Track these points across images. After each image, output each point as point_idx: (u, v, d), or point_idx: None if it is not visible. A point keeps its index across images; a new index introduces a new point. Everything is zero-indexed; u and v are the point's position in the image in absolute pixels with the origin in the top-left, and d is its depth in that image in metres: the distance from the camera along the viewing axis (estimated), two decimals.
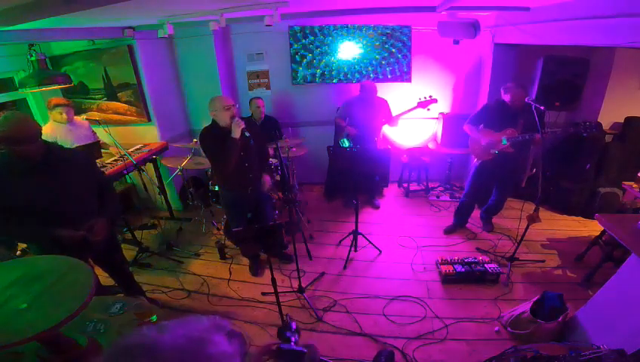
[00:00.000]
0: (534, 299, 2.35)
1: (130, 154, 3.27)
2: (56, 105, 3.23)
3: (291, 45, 4.27)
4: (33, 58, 2.86)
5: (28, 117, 1.88)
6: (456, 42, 3.94)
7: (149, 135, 4.07)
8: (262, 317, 2.67)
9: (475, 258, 3.02)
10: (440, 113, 4.42)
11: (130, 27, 3.47)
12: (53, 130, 3.24)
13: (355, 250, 3.41)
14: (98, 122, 3.26)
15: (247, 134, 2.51)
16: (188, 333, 0.61)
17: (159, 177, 4.01)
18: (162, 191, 3.99)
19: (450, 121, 4.30)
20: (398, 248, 3.49)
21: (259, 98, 3.96)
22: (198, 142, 2.76)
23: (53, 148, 1.93)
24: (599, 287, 2.20)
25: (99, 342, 1.48)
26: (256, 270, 3.20)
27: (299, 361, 1.05)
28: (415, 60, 4.34)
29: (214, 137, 2.54)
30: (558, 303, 2.30)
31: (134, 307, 1.66)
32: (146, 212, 4.29)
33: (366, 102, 3.79)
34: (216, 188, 3.40)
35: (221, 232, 3.77)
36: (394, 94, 4.30)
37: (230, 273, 3.20)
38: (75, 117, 3.44)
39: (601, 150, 3.86)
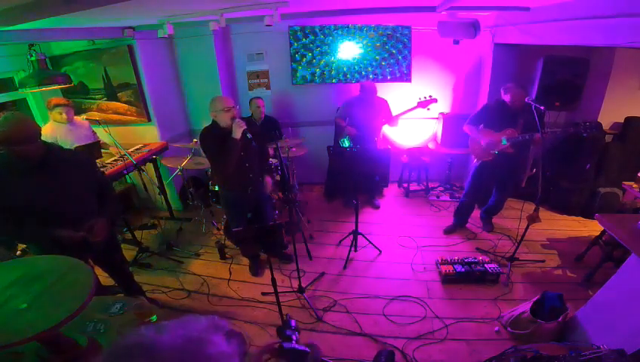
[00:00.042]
0: (534, 299, 2.35)
1: (130, 154, 3.27)
2: (56, 105, 3.23)
3: (291, 45, 4.27)
4: (33, 58, 2.86)
5: (27, 117, 1.88)
6: (456, 42, 3.93)
7: (149, 135, 4.07)
8: (262, 317, 2.67)
9: (475, 258, 3.02)
10: (440, 113, 4.42)
11: (130, 27, 3.47)
12: (53, 130, 3.24)
13: (355, 250, 3.41)
14: (98, 122, 3.26)
15: (248, 135, 2.51)
16: (186, 333, 0.61)
17: (159, 177, 4.01)
18: (162, 191, 3.99)
19: (450, 121, 4.30)
20: (398, 248, 3.49)
21: (259, 98, 3.96)
22: (199, 142, 2.76)
23: (52, 148, 1.93)
24: (599, 287, 2.20)
25: (99, 342, 1.48)
26: (256, 270, 3.20)
27: (302, 361, 1.04)
28: (415, 60, 4.34)
29: (215, 137, 2.53)
30: (558, 303, 2.30)
31: (134, 307, 1.65)
32: (146, 212, 4.29)
33: (366, 102, 3.79)
34: (216, 188, 3.40)
35: (221, 232, 3.77)
36: (394, 94, 4.30)
37: (230, 273, 3.20)
38: (75, 117, 3.44)
39: (601, 150, 3.86)
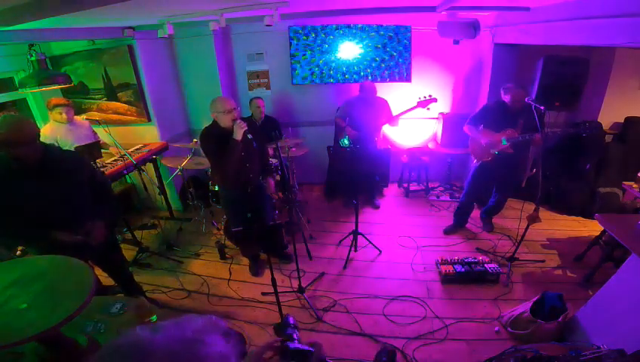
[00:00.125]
0: (534, 299, 2.35)
1: (130, 154, 3.27)
2: (56, 105, 3.23)
3: (291, 45, 4.27)
4: (33, 58, 2.85)
5: (25, 119, 1.87)
6: (456, 42, 3.93)
7: (149, 135, 4.07)
8: (262, 317, 2.67)
9: (475, 258, 3.02)
10: (440, 113, 4.42)
11: (130, 27, 3.47)
12: (53, 130, 3.24)
13: (355, 250, 3.41)
14: (98, 122, 3.26)
15: (249, 136, 2.51)
16: (181, 334, 0.61)
17: (159, 177, 4.01)
18: (162, 191, 3.99)
19: (450, 121, 4.30)
20: (398, 248, 3.49)
21: (259, 98, 3.96)
22: (199, 142, 2.76)
23: (50, 149, 1.92)
24: (599, 287, 2.20)
25: (99, 342, 1.48)
26: (256, 270, 3.20)
27: (307, 361, 1.04)
28: (415, 60, 4.34)
29: (215, 137, 2.53)
30: (558, 303, 2.30)
31: (134, 307, 1.66)
32: (146, 212, 4.29)
33: (366, 102, 3.79)
34: (216, 188, 3.40)
35: (221, 232, 3.77)
36: (394, 94, 4.30)
37: (230, 273, 3.20)
38: (76, 117, 3.44)
39: (601, 150, 3.86)
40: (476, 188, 3.47)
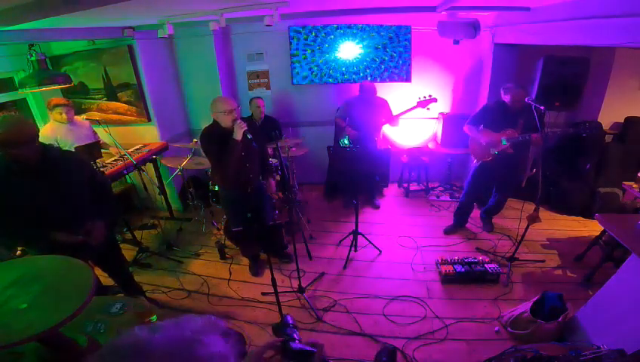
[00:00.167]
0: (534, 299, 2.35)
1: (130, 154, 3.27)
2: (56, 105, 3.23)
3: (291, 45, 4.27)
4: (33, 58, 2.85)
5: (24, 119, 1.87)
6: (456, 42, 3.93)
7: (149, 135, 4.07)
8: (262, 317, 2.67)
9: (475, 258, 3.02)
10: (440, 113, 4.42)
11: (130, 27, 3.47)
12: (53, 130, 3.24)
13: (355, 250, 3.41)
14: (98, 122, 3.26)
15: (249, 136, 2.51)
16: (179, 334, 0.61)
17: (159, 177, 4.01)
18: (162, 191, 3.99)
19: (450, 121, 4.30)
20: (398, 248, 3.49)
21: (259, 98, 3.96)
22: (199, 142, 2.76)
23: (49, 150, 1.92)
24: (599, 287, 2.20)
25: (99, 342, 1.48)
26: (256, 270, 3.20)
27: (309, 361, 1.04)
28: (415, 60, 4.34)
29: (215, 137, 2.53)
30: (558, 303, 2.30)
31: (134, 307, 1.66)
32: (146, 212, 4.29)
33: (366, 102, 3.79)
34: (216, 188, 3.40)
35: (221, 232, 3.77)
36: (394, 94, 4.30)
37: (230, 273, 3.20)
38: (76, 117, 3.44)
39: (601, 150, 3.86)
40: (476, 188, 3.47)
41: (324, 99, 4.54)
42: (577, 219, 3.90)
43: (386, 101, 3.94)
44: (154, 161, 3.88)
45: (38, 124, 3.67)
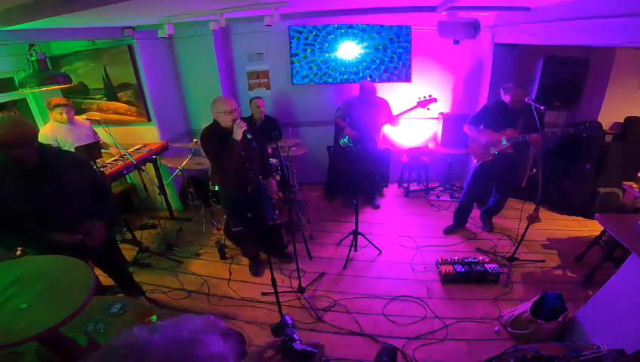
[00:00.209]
0: (534, 299, 2.35)
1: (130, 154, 3.27)
2: (57, 106, 3.23)
3: (291, 45, 4.27)
4: (33, 58, 2.85)
5: (24, 120, 1.87)
6: (456, 42, 3.93)
7: (149, 135, 4.07)
8: (262, 317, 2.67)
9: (475, 258, 3.02)
10: (440, 113, 4.42)
11: (130, 27, 3.47)
12: (53, 130, 3.24)
13: (355, 250, 3.41)
14: (98, 122, 3.26)
15: (249, 136, 2.51)
16: (178, 334, 0.61)
17: (159, 177, 4.01)
18: (162, 191, 3.99)
19: (450, 121, 4.30)
20: (398, 248, 3.49)
21: (259, 98, 3.96)
22: (199, 141, 2.76)
23: (48, 150, 1.91)
24: (599, 287, 2.20)
25: (99, 342, 1.48)
26: (256, 270, 3.20)
27: (310, 361, 1.04)
28: (415, 60, 4.34)
29: (215, 137, 2.54)
30: (558, 303, 2.30)
31: (134, 307, 1.66)
32: (146, 212, 4.29)
33: (366, 102, 3.79)
34: (216, 188, 3.40)
35: (221, 232, 3.77)
36: (394, 94, 4.30)
37: (230, 273, 3.20)
38: (76, 117, 3.44)
39: (601, 150, 3.86)
40: (476, 188, 3.47)
41: (324, 99, 4.54)
42: (577, 219, 3.90)
43: (386, 101, 3.94)
44: (154, 161, 3.88)
45: (38, 124, 3.67)
